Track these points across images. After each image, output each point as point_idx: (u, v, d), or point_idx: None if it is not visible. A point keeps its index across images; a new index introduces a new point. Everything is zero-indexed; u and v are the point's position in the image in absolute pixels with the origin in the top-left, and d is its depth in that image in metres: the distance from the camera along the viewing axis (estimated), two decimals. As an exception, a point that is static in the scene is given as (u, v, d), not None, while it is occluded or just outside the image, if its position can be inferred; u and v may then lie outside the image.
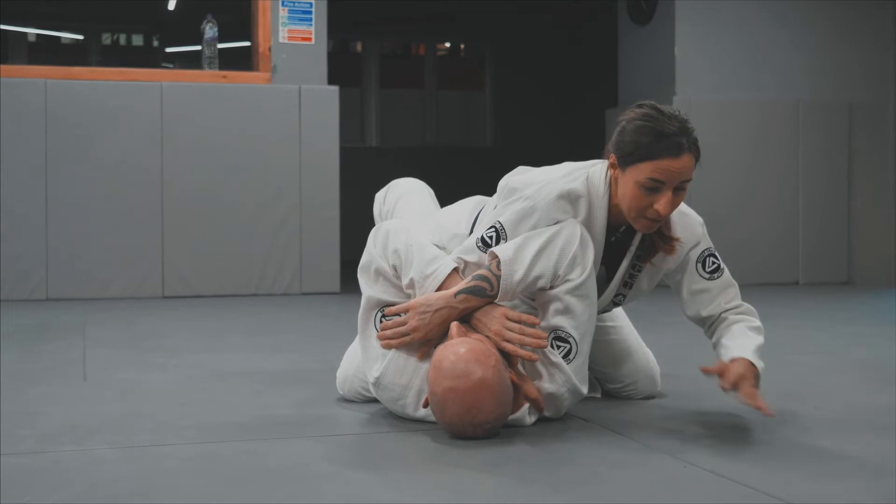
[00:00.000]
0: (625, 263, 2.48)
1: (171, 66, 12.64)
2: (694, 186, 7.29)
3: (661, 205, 2.29)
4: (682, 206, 2.49)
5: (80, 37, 13.38)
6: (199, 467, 2.05)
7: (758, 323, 2.53)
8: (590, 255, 2.34)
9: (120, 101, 5.68)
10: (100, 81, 5.76)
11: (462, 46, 13.95)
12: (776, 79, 6.75)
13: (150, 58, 13.70)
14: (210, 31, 5.97)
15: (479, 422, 2.20)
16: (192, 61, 8.30)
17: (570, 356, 2.34)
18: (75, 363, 3.40)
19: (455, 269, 2.40)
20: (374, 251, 2.46)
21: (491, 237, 2.40)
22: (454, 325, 2.29)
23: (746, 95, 6.70)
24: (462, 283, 2.34)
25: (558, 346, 2.34)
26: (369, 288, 2.46)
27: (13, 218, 5.52)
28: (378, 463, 2.10)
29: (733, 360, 2.34)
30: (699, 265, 2.49)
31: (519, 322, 2.32)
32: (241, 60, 6.91)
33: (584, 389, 2.40)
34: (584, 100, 10.01)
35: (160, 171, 5.71)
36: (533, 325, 2.32)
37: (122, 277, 5.66)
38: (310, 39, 5.98)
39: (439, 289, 2.37)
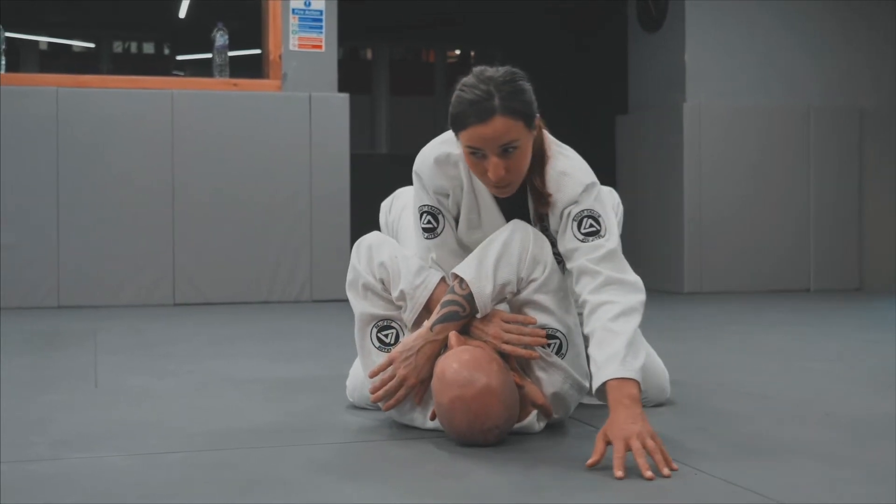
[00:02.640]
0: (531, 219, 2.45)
1: (181, 73, 12.68)
2: (704, 192, 7.21)
3: (490, 170, 2.24)
4: (569, 167, 2.36)
5: (92, 45, 13.44)
6: (209, 474, 2.05)
7: (623, 300, 2.24)
8: (547, 250, 2.35)
9: (131, 109, 5.70)
10: (111, 90, 5.78)
11: (472, 53, 13.97)
12: (786, 84, 6.74)
13: (160, 65, 13.75)
14: (221, 38, 5.99)
15: (487, 427, 2.20)
16: (202, 69, 8.33)
17: (563, 351, 2.35)
18: (86, 370, 3.41)
19: (443, 279, 2.41)
20: (358, 266, 2.46)
21: (427, 223, 2.43)
22: (453, 335, 2.29)
23: (757, 101, 6.69)
24: (434, 315, 2.34)
25: (549, 345, 2.34)
26: (360, 304, 2.46)
27: (24, 225, 5.54)
28: (389, 470, 2.09)
29: (608, 423, 2.10)
30: (574, 224, 2.33)
31: (515, 323, 2.33)
32: (252, 68, 6.92)
33: (586, 383, 2.40)
34: (594, 106, 10.00)
35: (171, 178, 5.73)
36: (529, 325, 2.33)
37: (133, 284, 5.67)
38: (320, 47, 6.00)
39: (430, 299, 2.38)
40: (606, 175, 6.64)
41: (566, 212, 2.33)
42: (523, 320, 2.33)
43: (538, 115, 2.31)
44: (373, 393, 2.37)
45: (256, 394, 2.97)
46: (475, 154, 2.25)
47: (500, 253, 2.32)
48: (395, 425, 2.46)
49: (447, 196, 2.43)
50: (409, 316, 2.41)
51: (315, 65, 5.99)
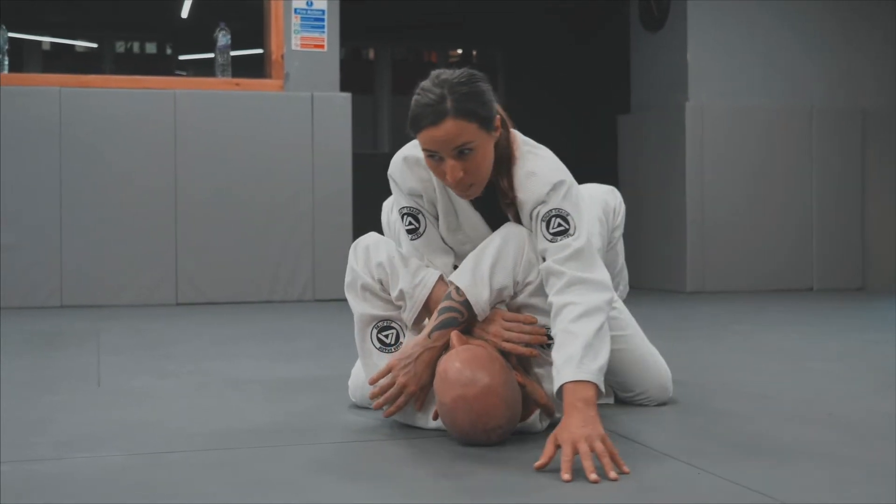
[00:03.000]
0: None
1: (184, 73, 12.69)
2: (707, 192, 7.20)
3: (447, 173, 2.24)
4: (537, 166, 2.34)
5: (94, 45, 13.45)
6: (211, 474, 2.05)
7: (585, 300, 2.20)
8: None
9: (133, 108, 5.71)
10: (113, 90, 5.79)
11: (474, 53, 13.97)
12: (789, 85, 6.74)
13: (163, 65, 13.76)
14: (223, 38, 6.00)
15: (490, 427, 2.20)
16: (205, 69, 8.33)
17: None
18: (89, 370, 3.41)
19: (441, 277, 2.41)
20: (356, 268, 2.46)
21: (409, 224, 2.44)
22: (454, 335, 2.29)
23: (759, 101, 6.69)
24: (432, 321, 2.34)
25: (548, 345, 2.34)
26: (359, 305, 2.46)
27: (27, 225, 5.55)
28: (391, 470, 2.09)
29: (559, 427, 2.08)
30: (543, 224, 2.31)
31: (516, 322, 2.33)
32: (254, 68, 6.93)
33: None
34: (596, 106, 10.01)
35: (173, 178, 5.73)
36: (530, 324, 2.33)
37: (136, 284, 5.68)
38: (322, 47, 6.00)
39: (429, 297, 2.38)
40: (609, 175, 6.67)
41: (535, 212, 2.32)
42: (524, 319, 2.34)
43: (499, 115, 2.31)
44: (373, 399, 2.38)
45: (258, 394, 2.97)
46: (433, 157, 2.25)
47: (496, 258, 2.32)
48: (396, 425, 2.46)
49: (421, 197, 2.44)
50: (408, 315, 2.41)
51: (317, 64, 5.99)
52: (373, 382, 2.38)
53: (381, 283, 2.43)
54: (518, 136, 2.41)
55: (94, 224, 5.64)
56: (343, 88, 6.05)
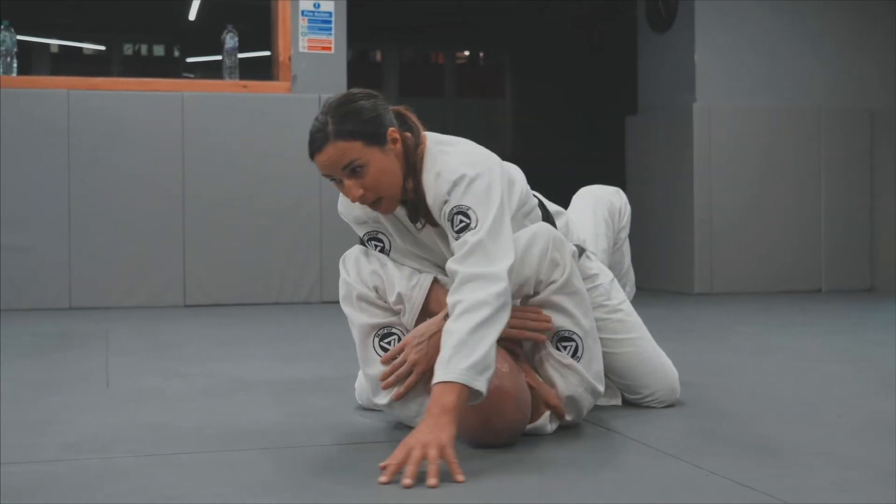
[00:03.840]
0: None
1: (191, 75, 12.72)
2: (714, 193, 7.17)
3: (348, 192, 2.29)
4: (443, 166, 2.29)
5: (102, 47, 13.48)
6: (220, 475, 2.06)
7: (470, 297, 2.14)
8: (567, 253, 2.34)
9: (141, 111, 5.72)
10: (121, 92, 5.80)
11: (481, 54, 13.96)
12: (797, 85, 6.73)
13: (171, 68, 13.79)
14: (230, 40, 6.01)
15: (499, 429, 2.20)
16: (212, 71, 8.35)
17: (578, 354, 2.35)
18: (97, 371, 3.42)
19: (436, 279, 2.41)
20: (349, 279, 2.45)
21: (376, 247, 2.47)
22: None
23: (767, 102, 6.68)
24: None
25: (564, 347, 2.35)
26: (357, 316, 2.46)
27: (36, 227, 5.56)
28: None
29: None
30: (449, 224, 2.27)
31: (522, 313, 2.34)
32: (262, 70, 6.94)
33: (601, 387, 2.40)
34: (603, 107, 10.01)
35: (181, 180, 5.74)
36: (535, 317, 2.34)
37: (144, 286, 5.69)
38: (329, 49, 6.01)
39: (427, 298, 2.39)
40: (616, 176, 6.66)
41: (442, 213, 2.29)
42: (531, 309, 2.34)
43: (394, 127, 2.30)
44: (383, 380, 2.36)
45: (265, 395, 2.98)
46: (333, 181, 2.30)
47: (523, 253, 2.31)
48: (404, 427, 2.46)
49: (367, 223, 2.46)
50: (408, 318, 2.41)
51: (324, 66, 6.00)
52: (386, 361, 2.37)
53: (376, 290, 2.43)
54: (430, 139, 2.38)
55: (102, 226, 5.65)
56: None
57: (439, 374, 2.08)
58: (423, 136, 2.37)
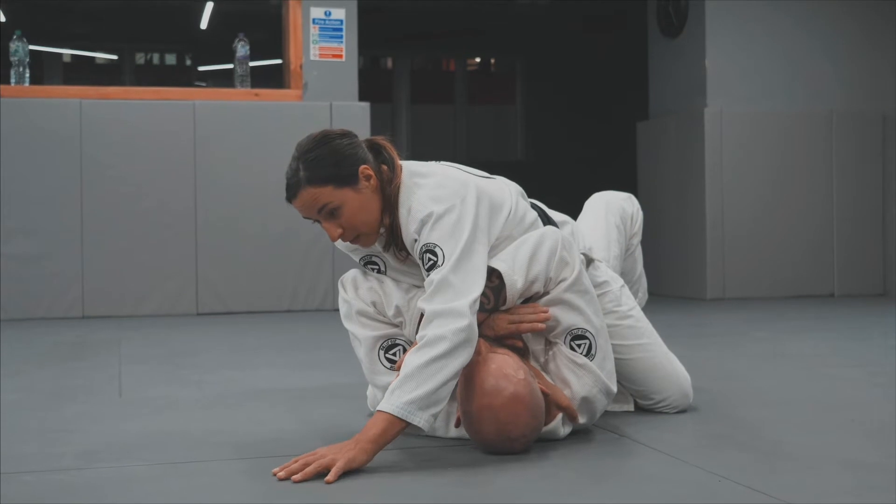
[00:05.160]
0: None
1: (203, 84, 12.76)
2: (726, 198, 7.14)
3: (327, 233, 2.34)
4: (414, 203, 2.32)
5: (114, 57, 13.53)
6: (234, 483, 2.06)
7: (430, 333, 2.15)
8: (576, 254, 2.38)
9: (153, 119, 5.75)
10: (133, 101, 5.83)
11: (492, 61, 13.98)
12: (808, 90, 6.71)
13: (182, 76, 13.83)
14: (242, 49, 6.03)
15: (514, 436, 2.21)
16: (224, 79, 8.37)
17: (592, 352, 2.37)
18: (111, 380, 3.43)
19: None
20: (348, 297, 2.50)
21: (373, 269, 2.50)
22: (481, 342, 2.30)
23: (779, 107, 6.67)
24: None
25: (578, 346, 2.36)
26: (360, 331, 2.50)
27: (49, 236, 5.59)
28: (411, 478, 2.10)
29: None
30: (422, 263, 2.31)
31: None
32: (273, 78, 6.96)
33: (614, 387, 2.41)
34: (614, 112, 10.01)
35: (193, 188, 5.76)
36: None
37: (157, 295, 5.71)
38: (341, 56, 6.02)
39: None
40: (628, 181, 6.65)
41: (414, 251, 2.34)
42: (531, 308, 2.36)
43: (367, 165, 2.32)
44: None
45: (279, 403, 2.98)
46: (313, 221, 2.34)
47: (533, 252, 2.34)
48: (413, 435, 2.46)
49: (358, 249, 2.48)
50: (409, 329, 2.44)
51: (336, 74, 6.01)
52: (398, 368, 2.39)
53: (374, 305, 2.47)
54: (406, 171, 2.39)
55: (115, 235, 5.68)
56: (361, 98, 6.07)
57: (381, 403, 2.14)
58: (398, 167, 2.39)
